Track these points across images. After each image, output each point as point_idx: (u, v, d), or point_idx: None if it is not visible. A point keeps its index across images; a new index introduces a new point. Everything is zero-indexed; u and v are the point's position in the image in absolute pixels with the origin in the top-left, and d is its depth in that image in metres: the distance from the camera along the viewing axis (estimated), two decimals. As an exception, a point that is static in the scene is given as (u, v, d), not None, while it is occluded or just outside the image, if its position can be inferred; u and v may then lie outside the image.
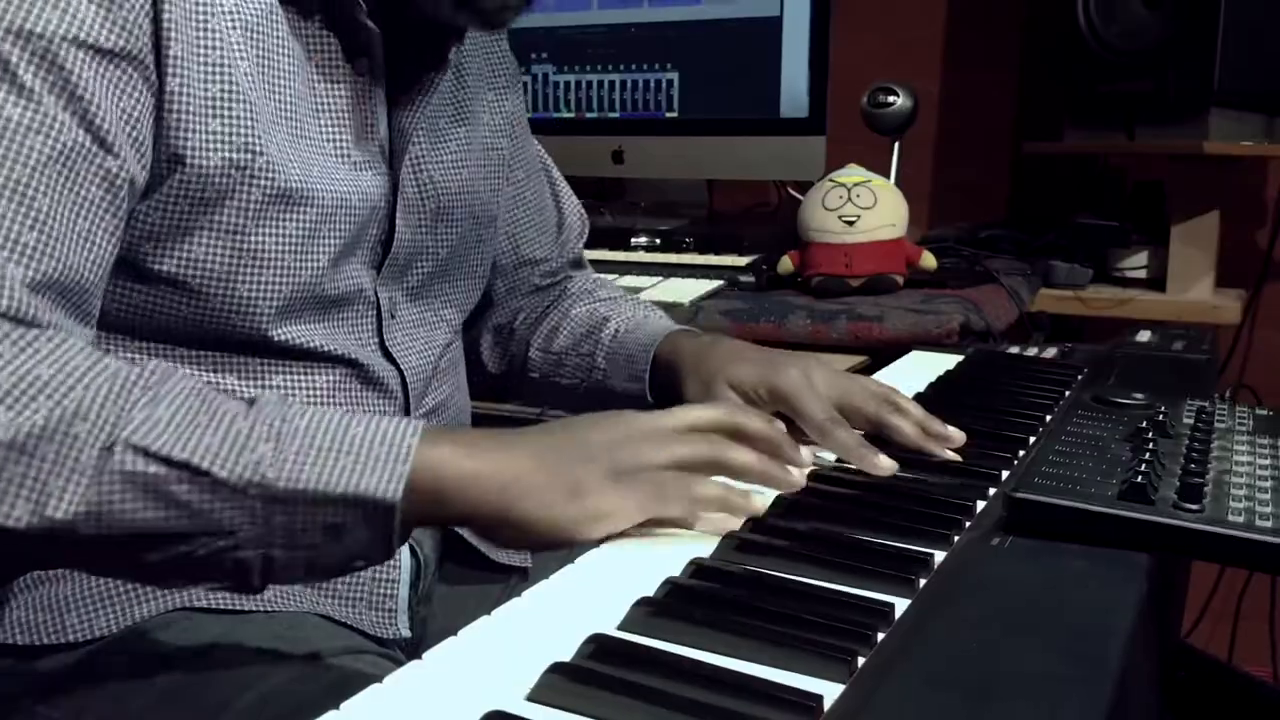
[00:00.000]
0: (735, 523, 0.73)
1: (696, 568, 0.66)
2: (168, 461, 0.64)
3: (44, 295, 0.69)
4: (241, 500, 0.65)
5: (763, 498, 0.76)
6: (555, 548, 0.72)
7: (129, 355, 0.81)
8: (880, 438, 0.89)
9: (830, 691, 0.53)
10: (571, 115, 2.01)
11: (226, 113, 0.79)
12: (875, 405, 0.91)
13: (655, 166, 2.00)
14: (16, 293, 0.67)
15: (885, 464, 0.84)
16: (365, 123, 0.89)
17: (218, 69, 0.78)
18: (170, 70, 0.76)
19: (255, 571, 0.68)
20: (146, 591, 0.83)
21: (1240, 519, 0.68)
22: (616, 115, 1.98)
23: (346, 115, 0.87)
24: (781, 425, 0.81)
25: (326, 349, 0.88)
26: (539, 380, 1.14)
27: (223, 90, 0.78)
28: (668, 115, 1.95)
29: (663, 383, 1.03)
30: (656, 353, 1.04)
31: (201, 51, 0.78)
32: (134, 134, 0.75)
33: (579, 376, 1.11)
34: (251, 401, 0.69)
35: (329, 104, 0.86)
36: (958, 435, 0.89)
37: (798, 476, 0.78)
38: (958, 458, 0.87)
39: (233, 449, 0.65)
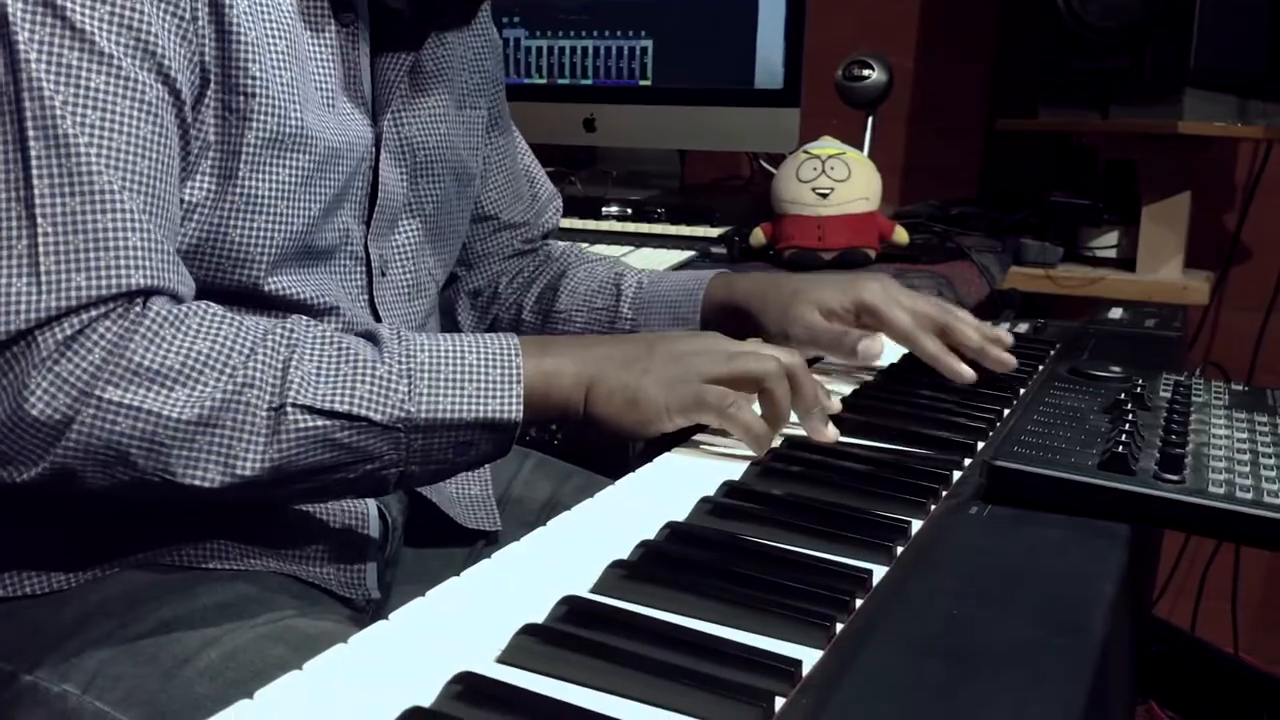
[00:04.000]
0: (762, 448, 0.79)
1: (671, 531, 0.65)
2: (332, 414, 0.73)
3: (163, 254, 0.73)
4: (390, 435, 0.75)
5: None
6: (622, 444, 0.83)
7: None
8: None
9: (809, 657, 0.52)
10: (543, 81, 1.98)
11: (222, 52, 0.78)
12: (940, 312, 0.99)
13: (628, 135, 1.97)
14: (156, 261, 0.71)
15: (967, 373, 0.95)
16: (350, 74, 0.88)
17: (214, 8, 0.77)
18: (193, 11, 0.76)
19: (391, 483, 0.78)
20: (107, 545, 0.82)
21: (1221, 490, 0.68)
22: (589, 82, 1.96)
23: (332, 66, 0.87)
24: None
25: (317, 301, 0.87)
26: None
27: (218, 30, 0.77)
28: (641, 83, 1.92)
29: (720, 323, 1.04)
30: (711, 294, 1.06)
31: None
32: (192, 79, 0.77)
33: (594, 330, 1.12)
34: (372, 339, 0.78)
35: (316, 53, 0.86)
36: (1007, 338, 0.99)
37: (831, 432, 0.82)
38: (1014, 362, 0.97)
39: (379, 393, 0.74)
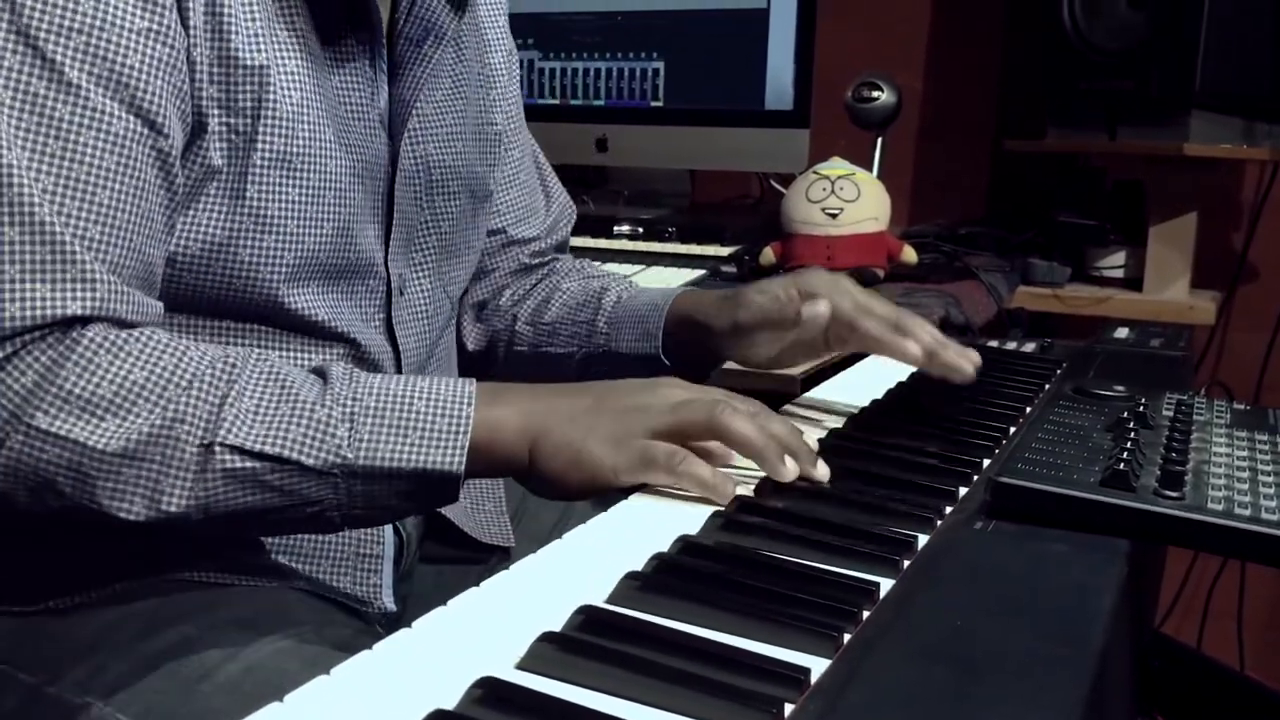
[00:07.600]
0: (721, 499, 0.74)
1: (684, 544, 0.66)
2: (261, 456, 0.72)
3: (109, 283, 0.72)
4: (326, 480, 0.73)
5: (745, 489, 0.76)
6: (573, 499, 0.80)
7: None
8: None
9: (817, 665, 0.53)
10: (556, 102, 2.01)
11: (226, 77, 0.79)
12: (891, 309, 0.95)
13: (639, 155, 2.00)
14: (100, 291, 0.71)
15: (913, 349, 0.92)
16: (367, 92, 0.89)
17: (219, 32, 0.78)
18: (190, 39, 0.77)
19: (337, 525, 0.76)
20: (127, 562, 0.83)
21: (1220, 507, 0.69)
22: (601, 103, 1.98)
23: (349, 84, 0.88)
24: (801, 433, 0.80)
25: (330, 324, 0.88)
26: (526, 353, 1.14)
27: (223, 54, 0.79)
28: (653, 104, 1.95)
29: (683, 339, 1.04)
30: (673, 309, 1.04)
31: (209, 15, 0.78)
32: (181, 108, 0.77)
33: (575, 344, 1.11)
34: (322, 376, 0.76)
35: (332, 72, 0.87)
36: (971, 360, 0.94)
37: (789, 468, 0.77)
38: (970, 371, 0.93)
39: (315, 437, 0.73)
